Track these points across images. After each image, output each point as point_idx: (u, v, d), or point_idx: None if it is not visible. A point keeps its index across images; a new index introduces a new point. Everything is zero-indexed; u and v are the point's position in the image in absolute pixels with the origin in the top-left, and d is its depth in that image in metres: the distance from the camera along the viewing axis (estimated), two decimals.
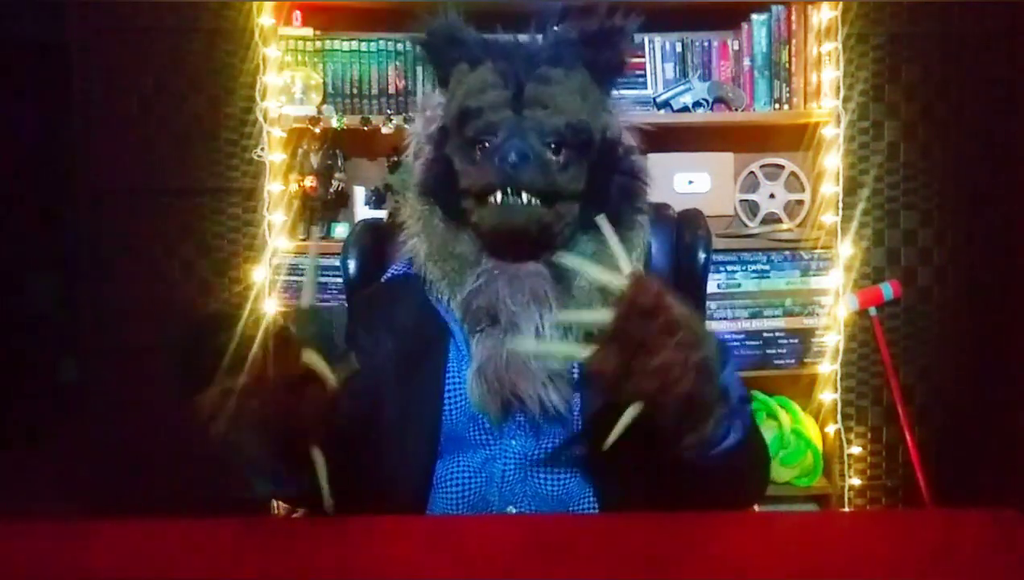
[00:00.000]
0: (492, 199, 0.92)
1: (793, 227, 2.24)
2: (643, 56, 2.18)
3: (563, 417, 0.95)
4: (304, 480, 0.79)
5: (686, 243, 1.24)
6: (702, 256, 1.23)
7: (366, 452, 0.97)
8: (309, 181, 2.12)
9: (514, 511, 0.96)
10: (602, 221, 0.85)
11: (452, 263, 0.98)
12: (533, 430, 0.97)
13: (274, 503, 2.00)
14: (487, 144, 0.95)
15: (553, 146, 0.94)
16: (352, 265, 1.29)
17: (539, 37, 1.02)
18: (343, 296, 2.08)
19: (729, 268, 2.14)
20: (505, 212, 0.92)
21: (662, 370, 0.73)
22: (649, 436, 0.79)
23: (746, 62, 2.18)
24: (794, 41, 2.15)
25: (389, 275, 1.14)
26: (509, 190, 0.90)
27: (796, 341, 2.16)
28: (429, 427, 0.98)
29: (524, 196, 0.91)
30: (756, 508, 1.11)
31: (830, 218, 2.13)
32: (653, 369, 0.73)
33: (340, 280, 2.16)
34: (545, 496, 0.97)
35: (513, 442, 0.98)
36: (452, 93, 0.99)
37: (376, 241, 1.32)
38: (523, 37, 1.04)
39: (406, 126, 2.08)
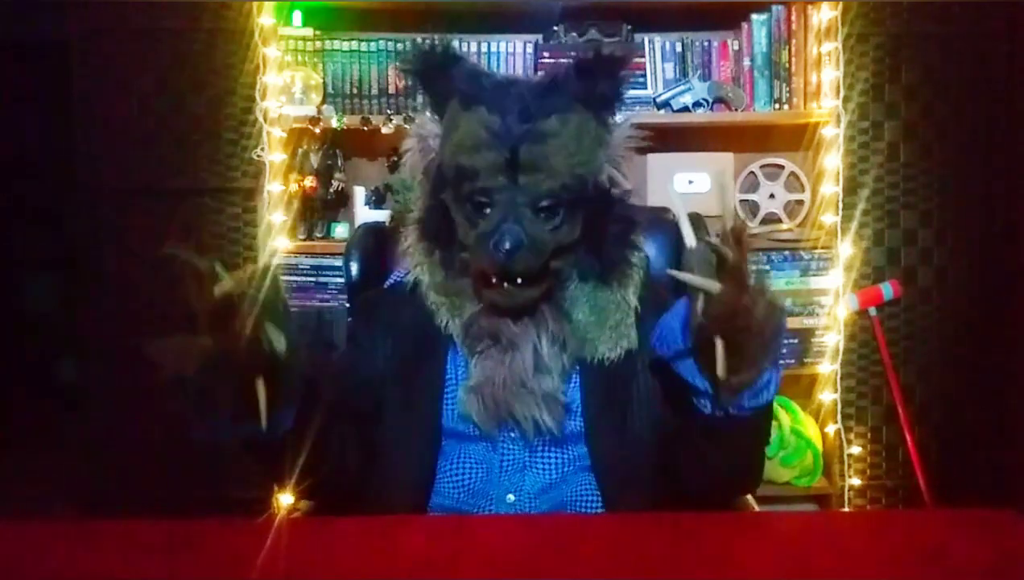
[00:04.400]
0: (488, 283, 0.94)
1: (793, 227, 2.24)
2: (643, 56, 2.18)
3: (555, 436, 0.98)
4: (252, 420, 0.80)
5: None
6: None
7: (365, 444, 1.02)
8: (309, 181, 2.12)
9: (513, 499, 0.99)
10: (673, 195, 0.95)
11: (453, 292, 1.01)
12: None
13: (274, 503, 2.00)
14: (483, 207, 0.94)
15: (548, 206, 0.94)
16: (354, 268, 1.33)
17: (533, 78, 1.02)
18: (343, 296, 2.10)
19: None
20: (501, 297, 0.94)
21: (749, 307, 0.77)
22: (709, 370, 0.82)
23: (746, 62, 2.18)
24: (794, 41, 2.15)
25: (392, 281, 1.18)
26: (504, 276, 0.92)
27: (796, 341, 2.16)
28: (429, 424, 1.02)
29: (519, 281, 0.93)
30: (756, 508, 1.11)
31: (830, 218, 2.13)
32: (746, 305, 0.77)
33: (339, 280, 2.18)
34: (544, 485, 0.99)
35: (512, 433, 1.00)
36: (446, 133, 0.99)
37: (378, 244, 1.35)
38: (517, 76, 1.03)
39: (406, 126, 2.08)
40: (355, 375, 1.06)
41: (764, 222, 2.25)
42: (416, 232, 1.05)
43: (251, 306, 0.76)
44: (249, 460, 0.94)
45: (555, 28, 2.20)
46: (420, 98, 2.15)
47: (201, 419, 0.82)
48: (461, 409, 0.99)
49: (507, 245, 0.88)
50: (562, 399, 0.98)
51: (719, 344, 0.77)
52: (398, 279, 1.14)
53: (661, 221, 1.33)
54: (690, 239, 0.81)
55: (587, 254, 0.98)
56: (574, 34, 2.17)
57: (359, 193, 2.23)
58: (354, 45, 2.17)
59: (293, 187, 2.13)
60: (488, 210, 0.93)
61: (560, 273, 0.97)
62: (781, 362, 2.13)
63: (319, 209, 2.19)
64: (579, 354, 0.99)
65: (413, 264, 1.04)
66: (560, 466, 1.00)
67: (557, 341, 0.97)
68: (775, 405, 2.15)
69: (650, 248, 1.26)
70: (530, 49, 2.18)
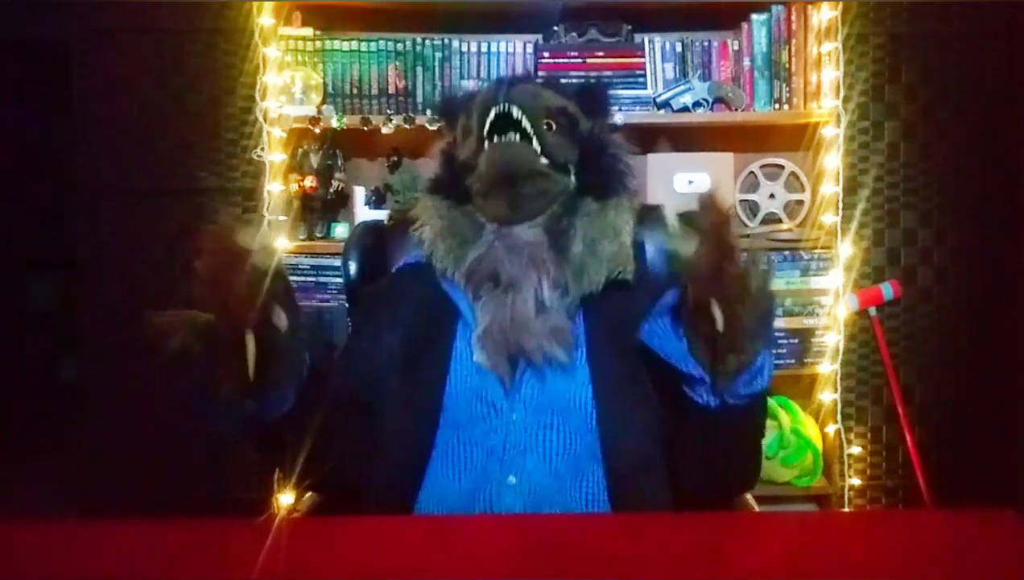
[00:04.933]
0: (490, 140, 1.03)
1: (793, 227, 2.24)
2: (643, 56, 2.18)
3: (569, 370, 1.01)
4: (242, 396, 0.84)
5: None
6: None
7: (369, 434, 1.06)
8: (309, 181, 2.12)
9: (514, 481, 0.99)
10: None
11: (456, 239, 1.06)
12: (534, 404, 1.01)
13: (274, 503, 2.00)
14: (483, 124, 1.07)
15: (544, 117, 1.06)
16: (353, 266, 1.32)
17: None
18: (343, 296, 2.10)
19: None
20: (502, 149, 1.03)
21: (743, 277, 0.82)
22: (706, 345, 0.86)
23: (746, 62, 2.18)
24: (794, 41, 2.15)
25: (400, 265, 1.21)
26: (504, 107, 1.02)
27: (796, 341, 2.16)
28: (431, 401, 1.03)
29: (517, 120, 1.02)
30: (756, 508, 1.11)
31: (830, 218, 2.13)
32: (739, 273, 0.82)
33: (339, 280, 2.18)
34: (546, 468, 0.99)
35: (514, 416, 1.01)
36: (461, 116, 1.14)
37: (376, 242, 1.36)
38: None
39: (406, 126, 2.09)
40: (360, 361, 1.10)
41: (764, 222, 2.25)
42: (424, 193, 1.15)
43: (254, 277, 0.81)
44: (251, 446, 0.95)
45: (555, 28, 2.20)
46: (420, 98, 2.16)
47: (201, 396, 0.84)
48: (476, 356, 1.01)
49: (506, 81, 1.04)
50: (569, 332, 1.01)
51: (715, 307, 0.81)
52: (407, 262, 1.18)
53: (657, 220, 1.33)
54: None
55: (583, 175, 1.09)
56: (574, 34, 2.17)
57: (359, 193, 2.23)
58: (354, 45, 2.17)
59: (293, 187, 2.13)
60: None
61: (558, 184, 1.06)
62: (779, 361, 2.14)
63: (319, 209, 2.18)
64: (580, 292, 1.03)
65: (421, 224, 1.11)
66: (563, 449, 1.00)
67: (559, 285, 1.02)
68: (775, 405, 2.17)
69: (649, 249, 1.28)
70: (530, 49, 2.18)
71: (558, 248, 1.03)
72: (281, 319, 0.83)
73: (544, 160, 1.05)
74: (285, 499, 2.01)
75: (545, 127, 1.06)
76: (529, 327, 0.98)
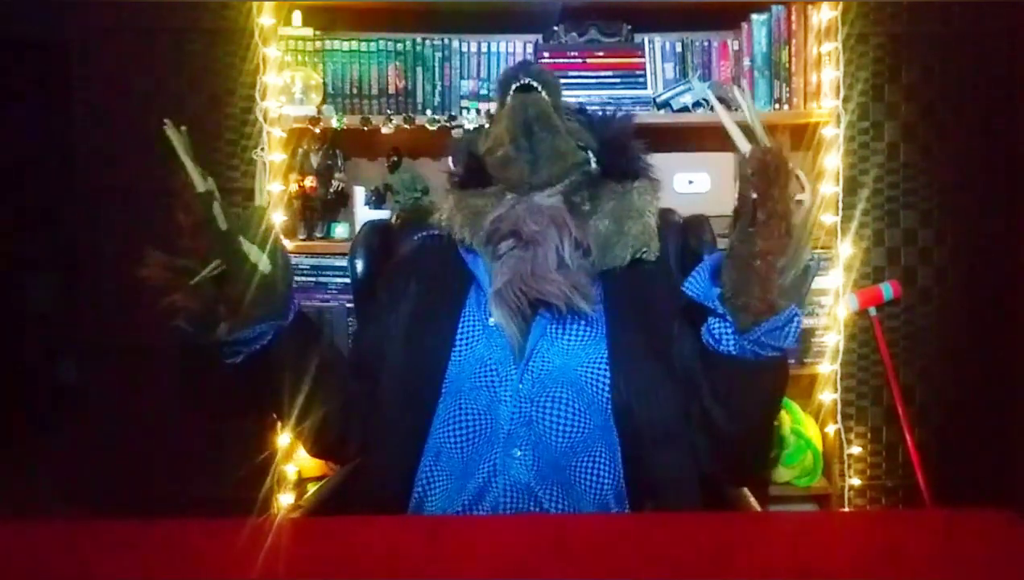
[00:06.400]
0: (511, 95, 1.09)
1: None
2: (643, 56, 2.18)
3: (584, 343, 1.03)
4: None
5: (691, 248, 1.30)
6: None
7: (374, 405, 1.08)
8: (309, 181, 2.12)
9: (519, 454, 0.98)
10: (718, 107, 1.09)
11: (473, 208, 1.10)
12: (545, 376, 1.01)
13: (274, 503, 2.00)
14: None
15: (562, 111, 1.15)
16: (360, 265, 1.35)
17: None
18: (343, 296, 2.10)
19: None
20: (520, 99, 1.08)
21: (788, 206, 0.93)
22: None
23: (746, 62, 2.18)
24: (794, 41, 2.15)
25: (423, 234, 1.23)
26: (520, 75, 1.09)
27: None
28: (433, 366, 1.04)
29: (537, 90, 1.08)
30: (757, 508, 1.11)
31: (830, 218, 2.13)
32: (786, 199, 0.92)
33: (339, 280, 2.18)
34: (552, 446, 0.98)
35: (522, 386, 1.00)
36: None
37: (382, 241, 1.37)
38: None
39: (406, 126, 2.08)
40: (373, 326, 1.14)
41: None
42: (442, 189, 1.22)
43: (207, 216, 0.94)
44: (238, 380, 0.98)
45: (555, 28, 2.20)
46: (420, 98, 2.16)
47: (190, 319, 0.93)
48: (492, 311, 1.02)
49: (527, 64, 1.16)
50: (590, 289, 1.02)
51: (753, 198, 0.89)
52: (429, 233, 1.21)
53: (665, 222, 1.36)
54: (743, 145, 0.99)
55: (605, 160, 1.14)
56: (574, 34, 2.17)
57: (359, 193, 2.22)
58: (354, 45, 2.17)
59: (293, 187, 2.13)
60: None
61: (574, 155, 1.11)
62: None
63: (319, 209, 2.18)
64: (602, 263, 1.06)
65: (442, 208, 1.15)
66: (572, 425, 0.99)
67: (580, 246, 1.04)
68: None
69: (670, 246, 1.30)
70: (530, 49, 2.18)
71: (578, 217, 1.06)
72: (252, 251, 0.94)
73: (562, 133, 1.10)
74: (285, 499, 2.01)
75: (564, 118, 1.13)
76: (549, 278, 1.00)
